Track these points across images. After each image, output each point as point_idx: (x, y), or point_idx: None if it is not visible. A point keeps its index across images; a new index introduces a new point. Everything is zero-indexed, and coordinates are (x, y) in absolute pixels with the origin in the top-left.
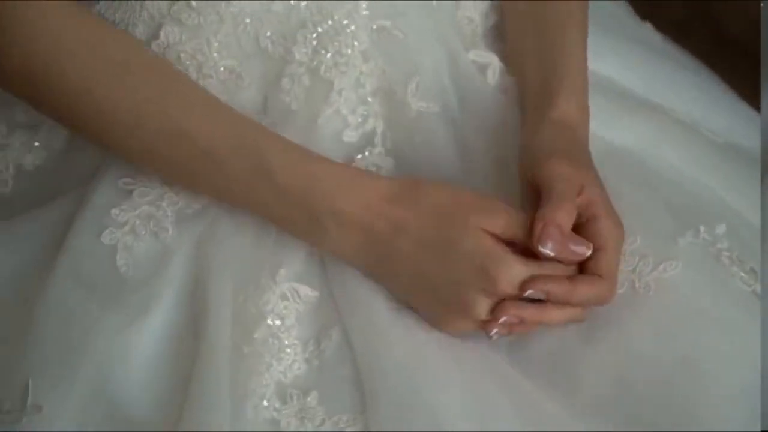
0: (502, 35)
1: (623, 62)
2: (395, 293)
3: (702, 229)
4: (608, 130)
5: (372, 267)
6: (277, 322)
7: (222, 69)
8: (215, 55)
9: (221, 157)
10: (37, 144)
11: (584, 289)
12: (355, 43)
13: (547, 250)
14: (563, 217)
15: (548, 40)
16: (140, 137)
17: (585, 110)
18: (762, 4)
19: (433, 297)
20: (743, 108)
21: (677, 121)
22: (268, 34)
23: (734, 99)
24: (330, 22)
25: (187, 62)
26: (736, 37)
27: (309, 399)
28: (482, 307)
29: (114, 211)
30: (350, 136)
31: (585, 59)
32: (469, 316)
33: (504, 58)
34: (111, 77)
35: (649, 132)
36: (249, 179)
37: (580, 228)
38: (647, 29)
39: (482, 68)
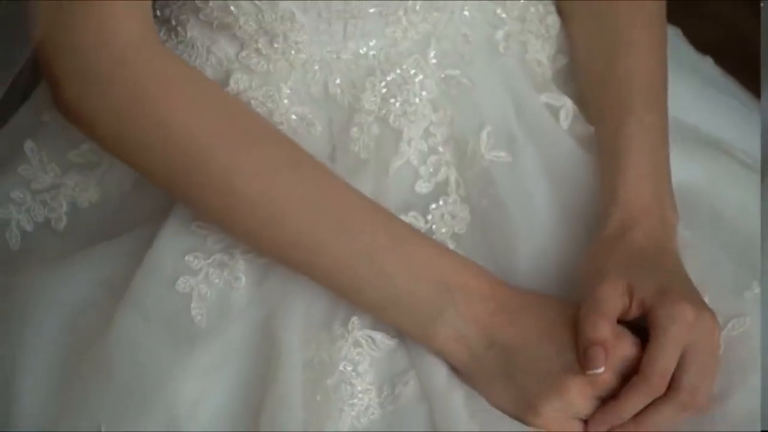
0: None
1: (691, 100)
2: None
3: None
4: (676, 174)
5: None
6: (349, 368)
7: (293, 117)
8: (286, 102)
9: (354, 225)
10: (93, 183)
11: (627, 403)
12: (423, 92)
13: (600, 371)
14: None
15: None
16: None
17: (656, 197)
18: (762, 4)
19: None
20: None
21: (744, 164)
22: (338, 81)
23: None
24: (399, 71)
25: (258, 109)
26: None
27: None
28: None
29: (188, 258)
30: (423, 187)
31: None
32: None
33: (577, 101)
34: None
35: (717, 174)
36: (383, 248)
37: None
38: (708, 63)
39: (555, 111)
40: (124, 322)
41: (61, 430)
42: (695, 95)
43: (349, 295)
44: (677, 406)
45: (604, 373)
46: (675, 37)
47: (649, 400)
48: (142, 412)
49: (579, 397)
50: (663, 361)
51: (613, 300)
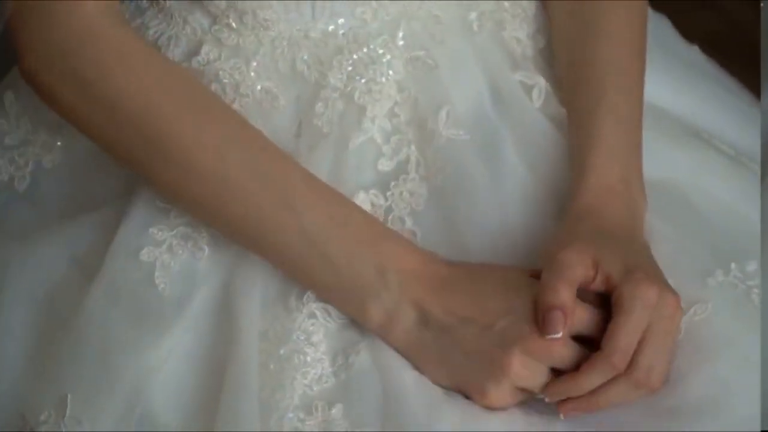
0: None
1: (672, 87)
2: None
3: (733, 266)
4: (648, 160)
5: (418, 341)
6: (303, 338)
7: (259, 89)
8: (252, 74)
9: (299, 205)
10: (59, 144)
11: (586, 379)
12: (390, 72)
13: (558, 336)
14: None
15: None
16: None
17: (624, 181)
18: (762, 4)
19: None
20: None
21: (722, 153)
22: (305, 57)
23: None
24: (365, 50)
25: (225, 80)
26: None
27: (334, 411)
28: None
29: (152, 230)
30: (386, 165)
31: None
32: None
33: (555, 83)
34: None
35: (690, 162)
36: (324, 228)
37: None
38: (695, 51)
39: (529, 90)
40: (94, 298)
41: (29, 400)
42: (679, 83)
43: (293, 274)
44: (631, 385)
45: (540, 341)
46: (661, 25)
47: (608, 377)
48: (108, 381)
49: (522, 371)
50: (625, 339)
51: (576, 266)
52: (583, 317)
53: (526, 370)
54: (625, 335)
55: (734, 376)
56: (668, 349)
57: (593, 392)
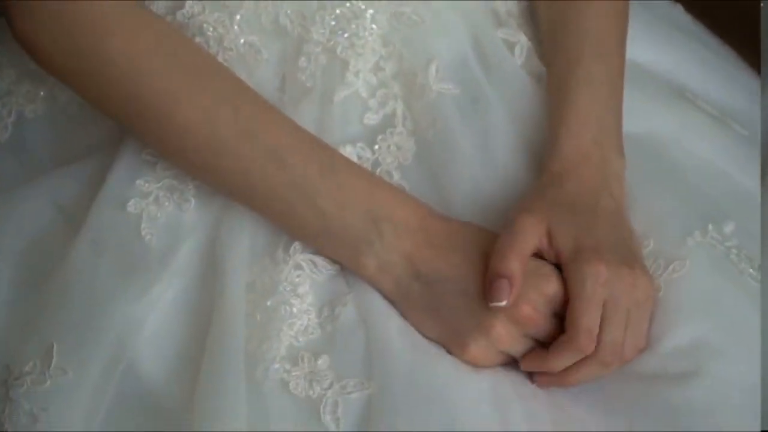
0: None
1: (657, 47)
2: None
3: (711, 227)
4: (631, 119)
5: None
6: (289, 289)
7: (242, 42)
8: (236, 28)
9: (288, 158)
10: (42, 94)
11: (555, 360)
12: (374, 26)
13: (502, 304)
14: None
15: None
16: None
17: (596, 145)
18: (762, 4)
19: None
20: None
21: (702, 111)
22: (288, 12)
23: (754, 82)
24: (348, 4)
25: (209, 33)
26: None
27: (320, 362)
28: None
29: (139, 182)
30: (372, 119)
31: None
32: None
33: (539, 41)
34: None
35: (673, 121)
36: (315, 179)
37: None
38: (678, 10)
39: (512, 47)
40: (80, 248)
41: (14, 350)
42: (662, 42)
43: (283, 224)
44: (599, 364)
45: (526, 309)
46: None
47: (577, 357)
48: (94, 331)
49: (504, 335)
50: (586, 319)
51: (528, 235)
52: (549, 291)
53: (508, 335)
54: (584, 314)
55: (715, 338)
56: (635, 320)
57: (565, 371)
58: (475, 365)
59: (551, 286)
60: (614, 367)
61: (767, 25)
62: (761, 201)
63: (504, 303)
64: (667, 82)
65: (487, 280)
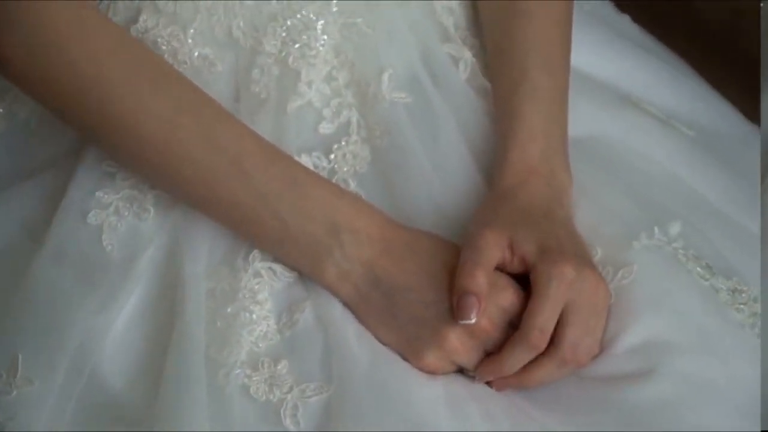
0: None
1: (600, 54)
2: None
3: (656, 230)
4: (577, 124)
5: (364, 297)
6: (248, 296)
7: (197, 55)
8: (190, 41)
9: (251, 167)
10: (1, 111)
11: (508, 358)
12: (324, 37)
13: (472, 322)
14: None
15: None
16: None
17: (545, 159)
18: (762, 4)
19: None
20: (718, 101)
21: (648, 113)
22: (241, 24)
23: (707, 90)
24: (299, 16)
25: (163, 47)
26: (715, 30)
27: (279, 367)
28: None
29: (98, 193)
30: (327, 128)
31: (556, 89)
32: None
33: (484, 56)
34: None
35: (620, 124)
36: (276, 188)
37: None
38: (625, 21)
39: (456, 62)
40: (42, 261)
41: None
42: (606, 50)
43: (244, 232)
44: (557, 362)
45: (482, 322)
46: None
47: (530, 356)
48: (58, 341)
49: (459, 347)
50: (541, 317)
51: (492, 250)
52: (505, 303)
53: (463, 347)
54: (540, 313)
55: (669, 335)
56: (594, 324)
57: (521, 371)
58: (429, 373)
59: (508, 298)
60: (570, 369)
61: (767, 25)
62: (761, 201)
63: (473, 320)
64: (612, 87)
65: (455, 298)
